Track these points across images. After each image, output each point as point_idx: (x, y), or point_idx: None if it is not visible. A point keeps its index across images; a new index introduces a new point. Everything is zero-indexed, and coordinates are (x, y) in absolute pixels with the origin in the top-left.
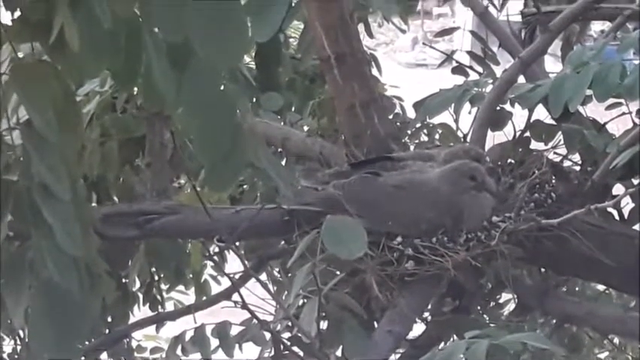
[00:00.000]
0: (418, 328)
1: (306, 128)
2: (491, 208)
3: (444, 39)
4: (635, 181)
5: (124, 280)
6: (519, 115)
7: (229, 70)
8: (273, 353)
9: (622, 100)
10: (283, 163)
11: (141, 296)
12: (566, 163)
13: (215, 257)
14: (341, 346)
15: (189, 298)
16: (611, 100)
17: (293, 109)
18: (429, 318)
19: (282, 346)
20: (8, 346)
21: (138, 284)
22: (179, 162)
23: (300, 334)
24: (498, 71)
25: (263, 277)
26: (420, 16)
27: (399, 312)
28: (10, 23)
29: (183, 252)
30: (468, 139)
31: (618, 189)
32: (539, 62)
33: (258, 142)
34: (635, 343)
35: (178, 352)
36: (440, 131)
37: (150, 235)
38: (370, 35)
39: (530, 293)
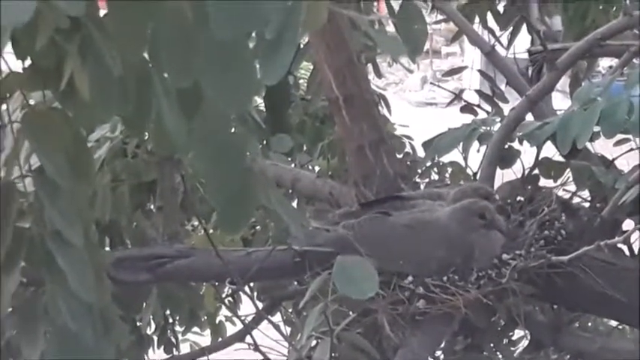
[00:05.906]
0: None
1: (316, 169)
2: (501, 246)
3: (452, 78)
4: None
5: (137, 324)
6: (528, 153)
7: (239, 113)
8: None
9: (630, 136)
10: (294, 204)
11: (155, 339)
12: (576, 200)
13: (228, 299)
14: None
15: (205, 339)
16: (619, 136)
17: (304, 149)
18: (442, 357)
19: None
20: None
21: (153, 327)
22: (190, 205)
23: None
24: (506, 109)
25: (277, 318)
26: (429, 56)
27: (412, 351)
28: (21, 71)
29: (197, 294)
30: (477, 177)
31: (628, 224)
32: (546, 99)
33: (269, 184)
34: None
35: None
36: (450, 170)
37: (162, 279)
38: (379, 75)
39: (543, 330)
